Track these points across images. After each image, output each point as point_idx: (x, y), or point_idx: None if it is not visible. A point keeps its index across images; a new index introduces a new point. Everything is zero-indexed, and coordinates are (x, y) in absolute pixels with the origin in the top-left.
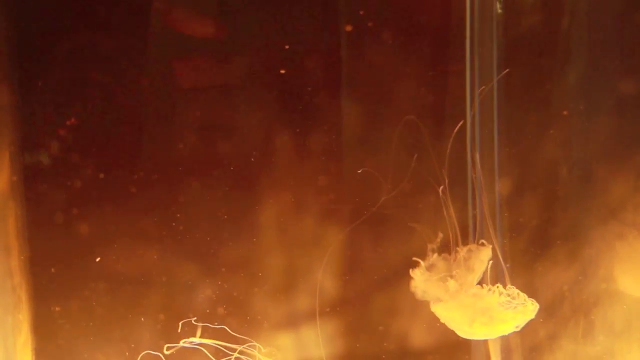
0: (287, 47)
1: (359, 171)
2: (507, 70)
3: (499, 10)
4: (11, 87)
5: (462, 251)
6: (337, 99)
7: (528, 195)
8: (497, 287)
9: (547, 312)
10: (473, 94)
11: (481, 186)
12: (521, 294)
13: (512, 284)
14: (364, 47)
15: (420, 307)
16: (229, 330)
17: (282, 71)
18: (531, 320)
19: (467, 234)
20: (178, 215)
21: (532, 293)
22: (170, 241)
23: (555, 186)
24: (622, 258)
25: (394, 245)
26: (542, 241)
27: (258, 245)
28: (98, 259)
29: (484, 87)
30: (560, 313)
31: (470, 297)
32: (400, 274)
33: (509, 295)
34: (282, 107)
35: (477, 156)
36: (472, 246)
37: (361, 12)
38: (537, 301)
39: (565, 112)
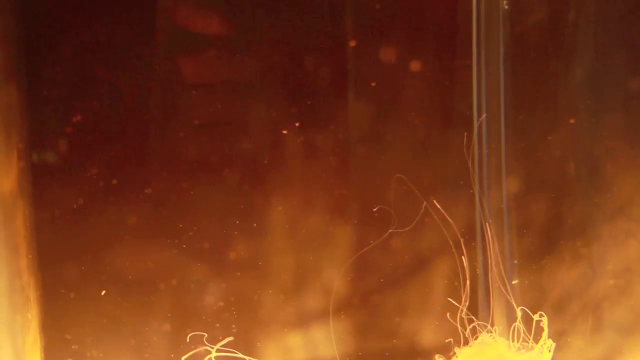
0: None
1: (374, 209)
2: (484, 115)
3: (505, 7)
4: (19, 86)
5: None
6: (344, 96)
7: (536, 192)
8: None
9: (555, 309)
10: (480, 93)
11: (489, 184)
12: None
13: (519, 281)
14: (372, 44)
15: (429, 305)
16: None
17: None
18: (539, 317)
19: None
20: (186, 213)
21: (540, 290)
22: (179, 240)
23: (562, 183)
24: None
25: (403, 244)
26: (550, 238)
27: (267, 243)
28: (103, 292)
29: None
30: (569, 310)
31: (478, 346)
32: (409, 272)
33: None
34: (290, 105)
35: (485, 153)
36: (485, 336)
37: (368, 9)
38: (545, 297)
39: (572, 121)
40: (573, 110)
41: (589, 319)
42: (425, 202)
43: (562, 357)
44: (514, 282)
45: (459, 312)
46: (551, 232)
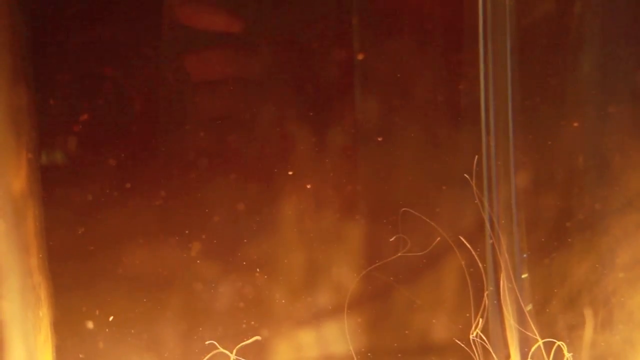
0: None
1: (391, 239)
2: (476, 158)
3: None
4: (28, 87)
5: None
6: (352, 92)
7: (545, 185)
8: None
9: (566, 302)
10: (487, 86)
11: (497, 178)
12: None
13: (528, 275)
14: (378, 39)
15: (439, 302)
16: None
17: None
18: (549, 310)
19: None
20: (197, 212)
21: (550, 283)
22: (190, 238)
23: (571, 175)
24: None
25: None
26: (559, 231)
27: (277, 242)
28: (111, 318)
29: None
30: (579, 303)
31: None
32: (419, 269)
33: None
34: (298, 102)
35: (493, 146)
36: None
37: (375, 3)
38: (555, 291)
39: (580, 114)
40: (581, 103)
41: (600, 312)
42: (442, 233)
43: (573, 351)
44: (523, 276)
45: (473, 328)
46: (560, 225)
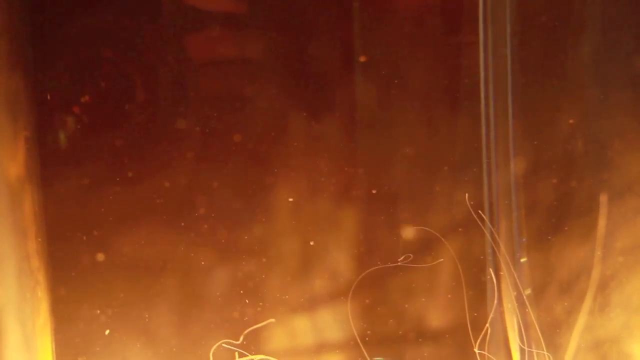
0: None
1: (399, 260)
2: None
3: None
4: (25, 71)
5: None
6: (351, 75)
7: (544, 169)
8: None
9: (564, 286)
10: (487, 70)
11: (496, 161)
12: None
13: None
14: (378, 22)
15: (435, 287)
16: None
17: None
18: (548, 295)
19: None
20: (197, 195)
21: (548, 268)
22: (188, 223)
23: (570, 160)
24: None
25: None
26: (558, 215)
27: (273, 228)
28: (107, 332)
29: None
30: (577, 287)
31: None
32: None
33: None
34: (295, 86)
35: (493, 131)
36: None
37: None
38: (554, 276)
39: (579, 98)
40: (581, 87)
41: (598, 296)
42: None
43: (571, 336)
44: (522, 260)
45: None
46: (559, 209)
